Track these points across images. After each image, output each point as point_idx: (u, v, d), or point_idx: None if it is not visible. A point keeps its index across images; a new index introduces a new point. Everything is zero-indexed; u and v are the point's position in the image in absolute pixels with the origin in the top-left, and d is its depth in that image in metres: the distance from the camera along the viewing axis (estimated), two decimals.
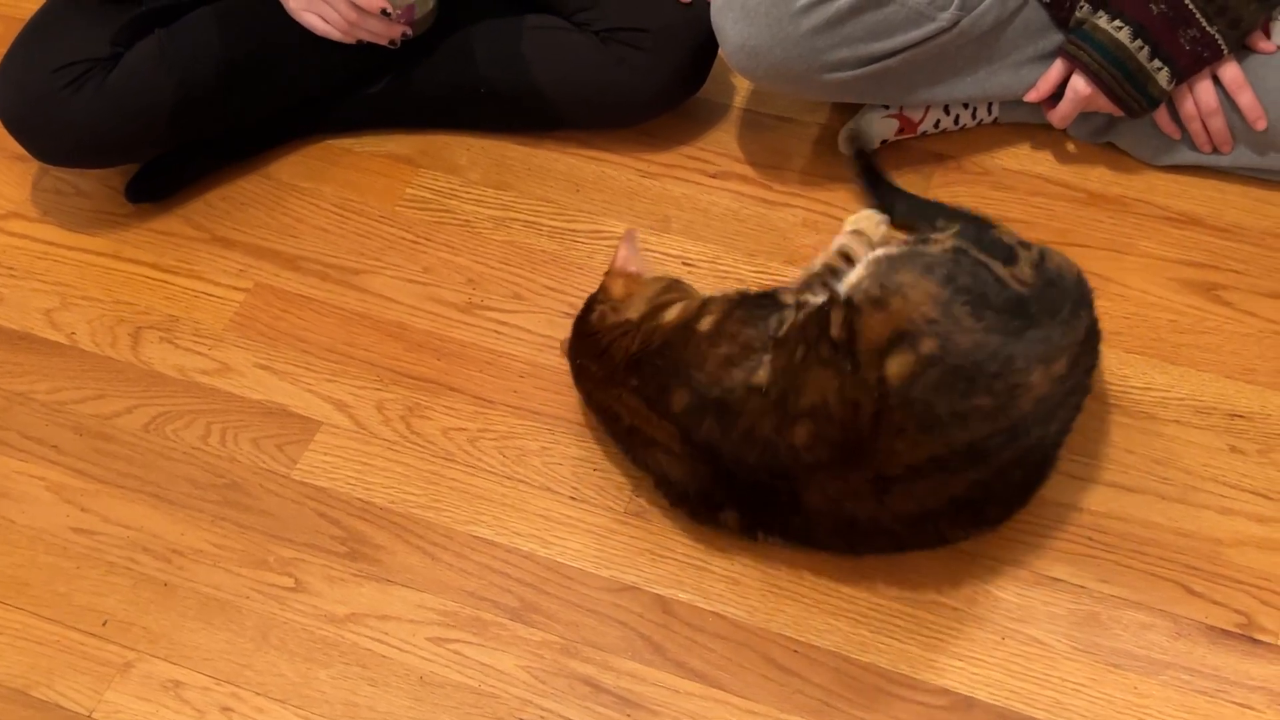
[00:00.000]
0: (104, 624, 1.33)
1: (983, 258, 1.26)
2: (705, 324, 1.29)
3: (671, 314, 1.32)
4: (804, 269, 1.40)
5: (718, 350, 1.27)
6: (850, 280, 1.31)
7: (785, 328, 1.26)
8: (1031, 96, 1.58)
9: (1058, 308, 1.23)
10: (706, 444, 1.26)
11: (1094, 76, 1.52)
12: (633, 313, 1.33)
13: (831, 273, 1.36)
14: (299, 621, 1.31)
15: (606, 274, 1.39)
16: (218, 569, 1.36)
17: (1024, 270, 1.26)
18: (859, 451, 1.20)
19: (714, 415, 1.25)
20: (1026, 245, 1.31)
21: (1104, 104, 1.56)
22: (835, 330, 1.22)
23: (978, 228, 1.35)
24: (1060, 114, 1.58)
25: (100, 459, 1.44)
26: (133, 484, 1.42)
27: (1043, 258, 1.29)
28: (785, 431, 1.22)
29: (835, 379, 1.20)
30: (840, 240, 1.44)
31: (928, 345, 1.18)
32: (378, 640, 1.30)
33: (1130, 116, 1.57)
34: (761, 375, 1.24)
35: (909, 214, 1.54)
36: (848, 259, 1.38)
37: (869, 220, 1.48)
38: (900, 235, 1.46)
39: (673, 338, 1.30)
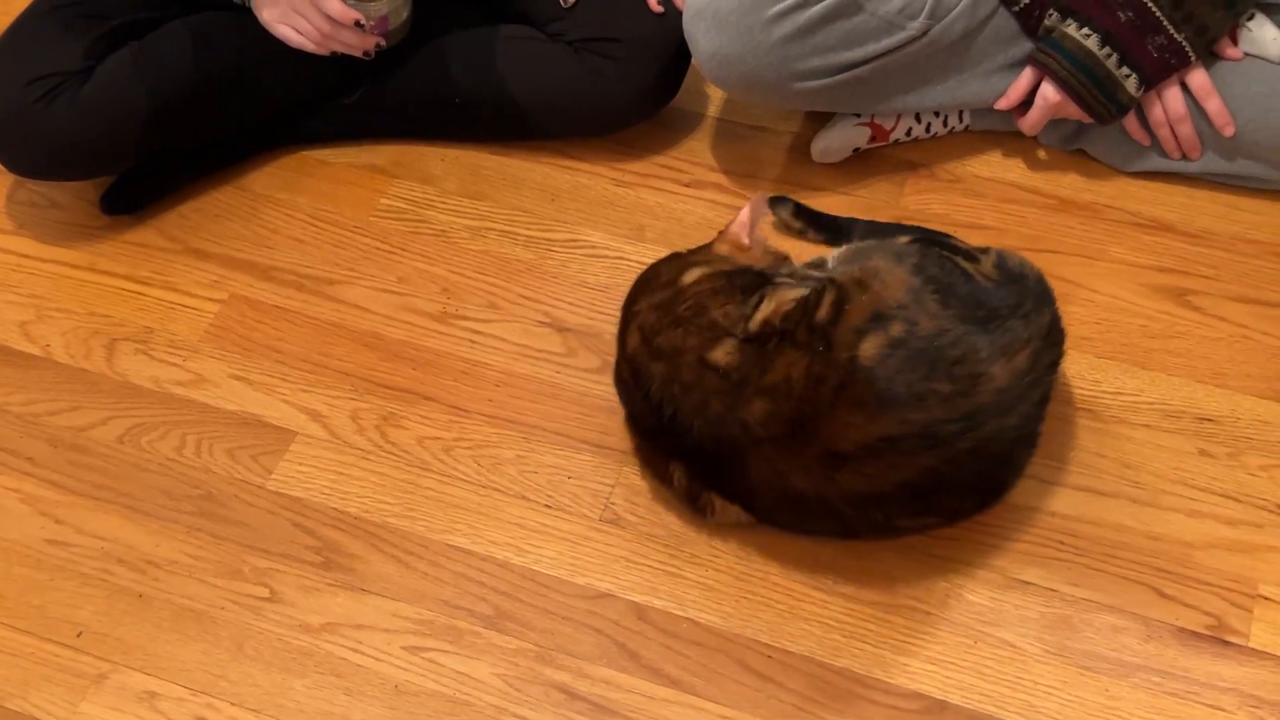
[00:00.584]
0: (79, 635, 1.32)
1: (946, 253, 1.29)
2: (688, 277, 1.31)
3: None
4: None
5: (677, 309, 1.28)
6: (829, 266, 1.33)
7: (763, 318, 1.26)
8: (1002, 104, 1.60)
9: (1020, 302, 1.25)
10: (658, 399, 1.27)
11: (1063, 84, 1.54)
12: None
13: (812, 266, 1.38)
14: (274, 632, 1.32)
15: (719, 235, 1.39)
16: (192, 580, 1.36)
17: (986, 267, 1.29)
18: (814, 425, 1.21)
19: (665, 373, 1.27)
20: (984, 250, 1.34)
21: (1073, 111, 1.57)
22: (823, 311, 1.23)
23: (937, 234, 1.37)
24: (1030, 121, 1.59)
25: (75, 471, 1.44)
26: (107, 495, 1.42)
27: (1001, 258, 1.31)
28: (740, 408, 1.23)
29: (805, 358, 1.22)
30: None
31: (896, 328, 1.21)
32: (353, 650, 1.30)
33: (1100, 123, 1.58)
34: (719, 354, 1.25)
35: (869, 237, 1.55)
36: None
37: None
38: None
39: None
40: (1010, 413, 1.23)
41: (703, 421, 1.25)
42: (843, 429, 1.20)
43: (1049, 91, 1.55)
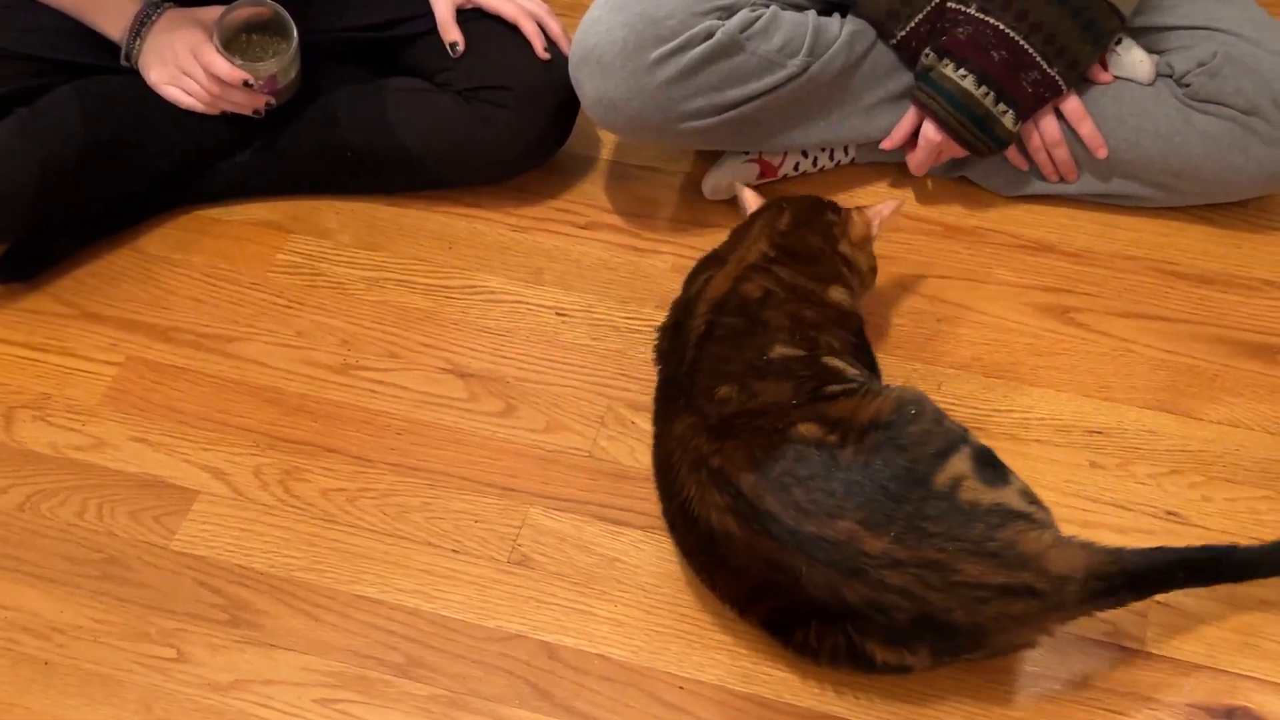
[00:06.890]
0: None
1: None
2: (844, 301, 1.39)
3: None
4: None
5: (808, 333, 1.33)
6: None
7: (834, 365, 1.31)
8: (886, 145, 1.64)
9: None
10: (698, 341, 1.33)
11: (943, 124, 1.58)
12: (861, 260, 1.43)
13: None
14: (183, 692, 1.30)
15: (859, 208, 1.46)
16: (99, 644, 1.34)
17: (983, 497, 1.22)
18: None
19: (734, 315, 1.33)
20: (1036, 507, 1.25)
21: (955, 149, 1.61)
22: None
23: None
24: (917, 161, 1.63)
25: None
26: (9, 564, 1.40)
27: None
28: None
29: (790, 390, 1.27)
30: None
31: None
32: (263, 705, 1.29)
33: (979, 158, 1.62)
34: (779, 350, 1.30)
35: None
36: None
37: None
38: None
39: (805, 291, 1.37)
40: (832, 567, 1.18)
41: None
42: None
43: (930, 131, 1.59)
